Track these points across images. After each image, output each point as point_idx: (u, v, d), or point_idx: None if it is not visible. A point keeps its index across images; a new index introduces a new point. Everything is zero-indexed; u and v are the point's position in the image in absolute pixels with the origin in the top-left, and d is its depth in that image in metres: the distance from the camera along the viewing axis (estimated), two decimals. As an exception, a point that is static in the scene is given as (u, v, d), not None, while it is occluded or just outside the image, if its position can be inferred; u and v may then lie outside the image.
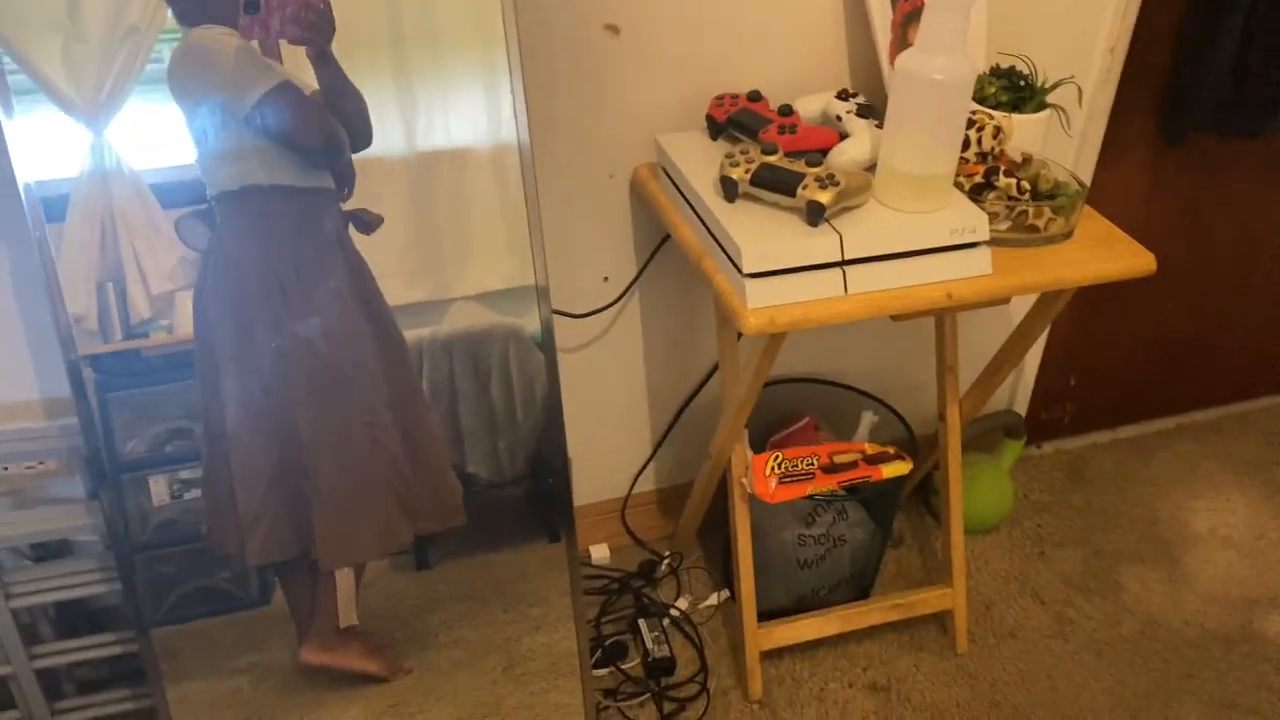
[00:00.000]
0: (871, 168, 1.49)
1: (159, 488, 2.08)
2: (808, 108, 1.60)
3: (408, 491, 1.55)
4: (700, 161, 1.55)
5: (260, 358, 1.50)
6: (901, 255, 1.39)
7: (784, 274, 1.36)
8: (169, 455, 1.94)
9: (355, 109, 1.44)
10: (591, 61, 1.62)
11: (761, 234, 1.37)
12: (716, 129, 1.61)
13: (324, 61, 1.38)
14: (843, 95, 1.59)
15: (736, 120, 1.57)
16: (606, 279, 1.83)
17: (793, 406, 2.03)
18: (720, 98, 1.61)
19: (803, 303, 1.37)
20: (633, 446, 2.07)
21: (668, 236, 1.76)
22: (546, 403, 1.71)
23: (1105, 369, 2.40)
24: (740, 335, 1.56)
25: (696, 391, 2.02)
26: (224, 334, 1.54)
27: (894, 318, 1.43)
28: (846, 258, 1.37)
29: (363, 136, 1.47)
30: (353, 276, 1.51)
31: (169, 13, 2.11)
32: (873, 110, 1.56)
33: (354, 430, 1.52)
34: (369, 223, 1.51)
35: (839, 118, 1.56)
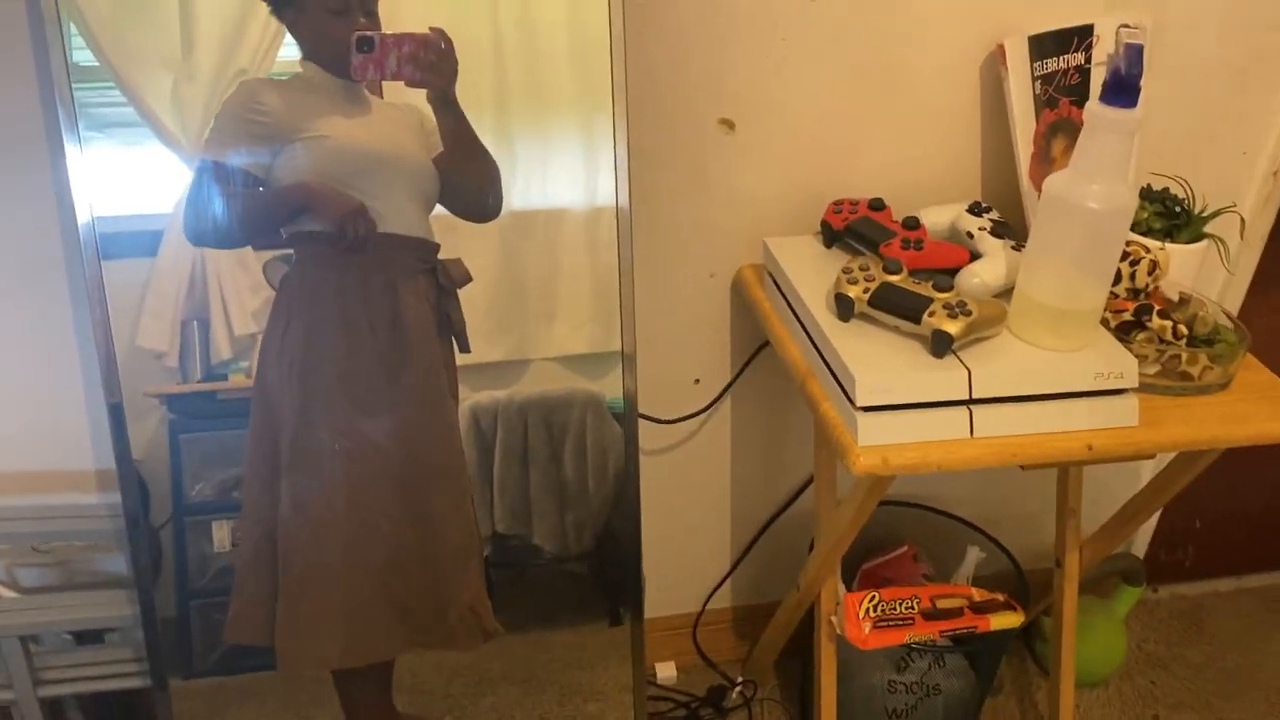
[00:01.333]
0: (1005, 294, 1.34)
1: (221, 534, 2.05)
2: (935, 220, 1.46)
3: (414, 600, 1.42)
4: (812, 271, 1.42)
5: (324, 419, 1.40)
6: (1037, 398, 1.23)
7: (902, 409, 1.21)
8: (235, 501, 1.88)
9: (477, 167, 1.34)
10: (703, 155, 1.50)
11: (879, 362, 1.23)
12: (832, 236, 1.48)
13: (446, 106, 1.28)
14: (975, 209, 1.44)
15: (855, 230, 1.44)
16: (698, 381, 1.70)
17: (889, 531, 1.86)
18: (838, 203, 1.48)
19: (921, 443, 1.21)
20: (710, 559, 1.92)
21: (766, 343, 1.62)
22: (629, 512, 1.59)
23: (1233, 512, 2.19)
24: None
25: (785, 507, 1.87)
26: (286, 391, 1.44)
27: (1023, 467, 1.27)
28: (974, 396, 1.22)
29: (478, 201, 1.38)
30: (431, 344, 1.39)
31: (278, 55, 2.15)
32: (1008, 229, 1.41)
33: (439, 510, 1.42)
34: (455, 279, 1.41)
35: (970, 234, 1.42)
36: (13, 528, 1.47)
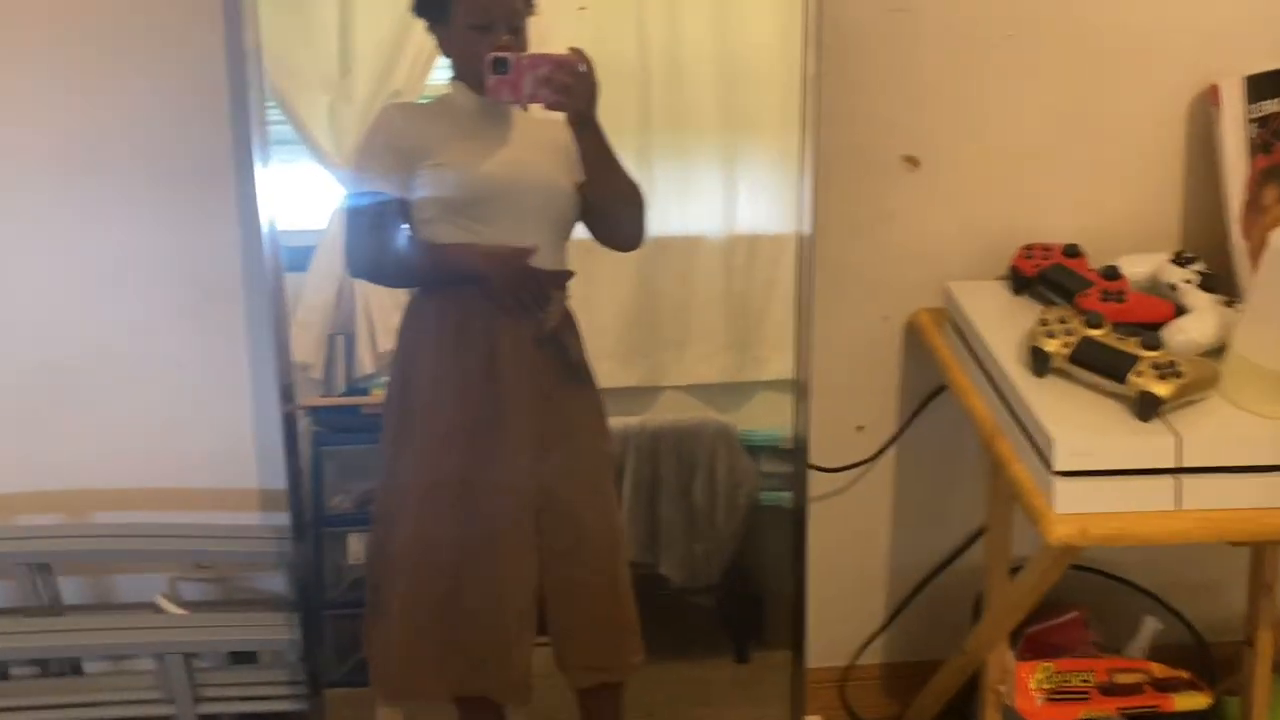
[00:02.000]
0: (1213, 353, 1.25)
1: (356, 546, 2.04)
2: (1134, 270, 1.37)
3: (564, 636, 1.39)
4: (999, 320, 1.34)
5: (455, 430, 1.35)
6: (1254, 469, 1.13)
7: (1103, 475, 1.13)
8: (371, 514, 2.06)
9: (618, 193, 1.29)
10: (883, 192, 1.45)
11: (1079, 423, 1.14)
12: (1022, 283, 1.40)
13: (585, 129, 1.23)
14: (1179, 260, 1.35)
15: (1049, 277, 1.35)
16: (861, 428, 1.63)
17: (1058, 594, 1.75)
18: (1029, 248, 1.40)
19: (1123, 513, 1.13)
20: (864, 611, 1.83)
21: (938, 390, 1.55)
22: (793, 565, 1.55)
23: None
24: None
25: (949, 562, 1.78)
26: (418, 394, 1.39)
27: (1234, 543, 1.17)
28: (1184, 465, 1.13)
29: (618, 227, 1.33)
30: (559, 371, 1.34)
31: (430, 78, 2.17)
32: (1217, 282, 1.31)
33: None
34: (566, 347, 1.35)
35: (1173, 287, 1.32)
36: (178, 545, 1.49)
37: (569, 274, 1.33)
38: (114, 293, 1.44)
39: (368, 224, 1.36)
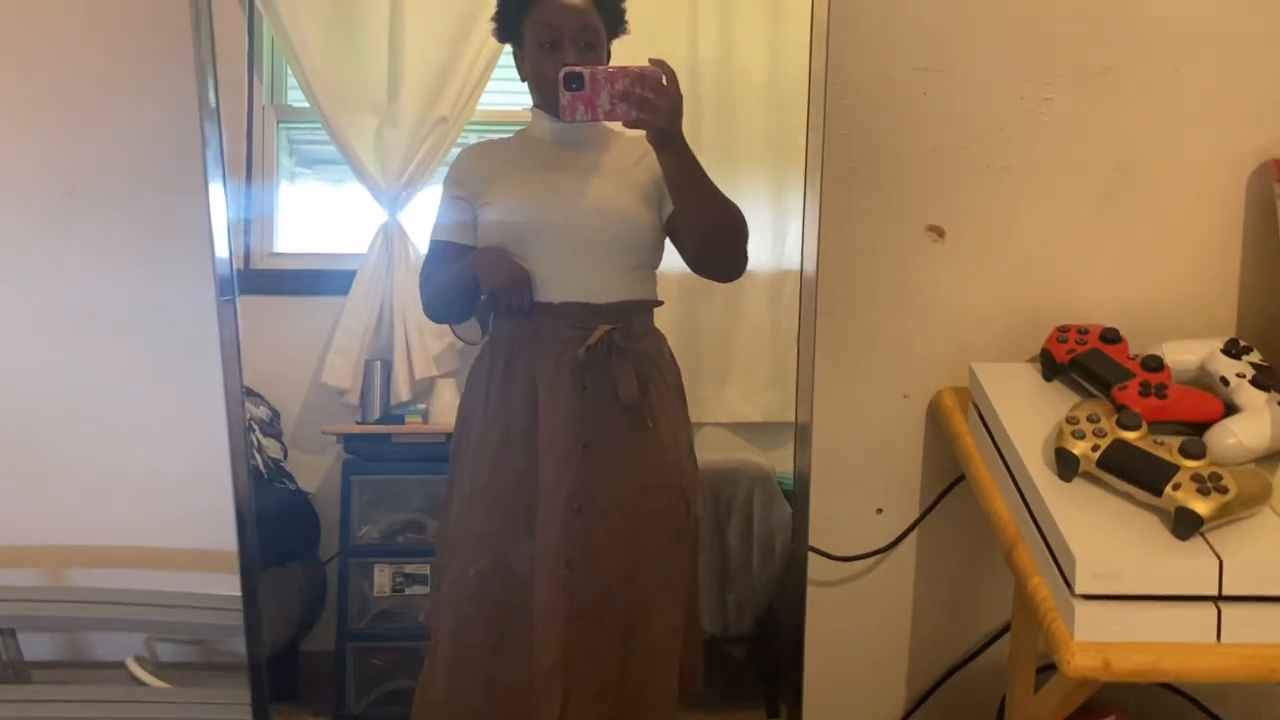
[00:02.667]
0: (1268, 459, 1.11)
1: (383, 577, 1.97)
2: (1180, 359, 1.24)
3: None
4: (1027, 409, 1.22)
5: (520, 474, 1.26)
6: (1309, 601, 1.00)
7: (1132, 600, 1.00)
8: (399, 546, 1.91)
9: (709, 218, 1.19)
10: (905, 263, 1.34)
11: (1106, 539, 1.02)
12: (1054, 369, 1.28)
13: (668, 148, 1.13)
14: (1232, 350, 1.22)
15: (1084, 364, 1.23)
16: (880, 511, 1.52)
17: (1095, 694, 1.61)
18: (1063, 330, 1.28)
19: (1154, 644, 1.00)
20: (881, 703, 1.71)
21: (962, 476, 1.43)
22: (793, 651, 1.46)
23: None
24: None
25: (972, 657, 1.65)
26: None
27: (1283, 682, 1.03)
28: (1225, 593, 1.00)
29: (714, 258, 1.25)
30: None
31: (478, 104, 2.11)
32: (1274, 377, 1.18)
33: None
34: (624, 392, 1.23)
35: (1225, 381, 1.19)
36: (150, 614, 1.43)
37: (630, 304, 1.23)
38: (90, 344, 1.38)
39: (430, 269, 1.33)
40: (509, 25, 1.28)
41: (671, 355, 1.33)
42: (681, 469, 1.31)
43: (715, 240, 1.22)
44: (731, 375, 2.22)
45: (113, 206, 1.35)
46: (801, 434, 1.37)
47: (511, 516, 1.25)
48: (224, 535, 1.48)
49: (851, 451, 1.48)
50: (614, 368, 1.22)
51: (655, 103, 1.09)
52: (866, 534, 1.53)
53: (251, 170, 2.18)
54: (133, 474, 1.45)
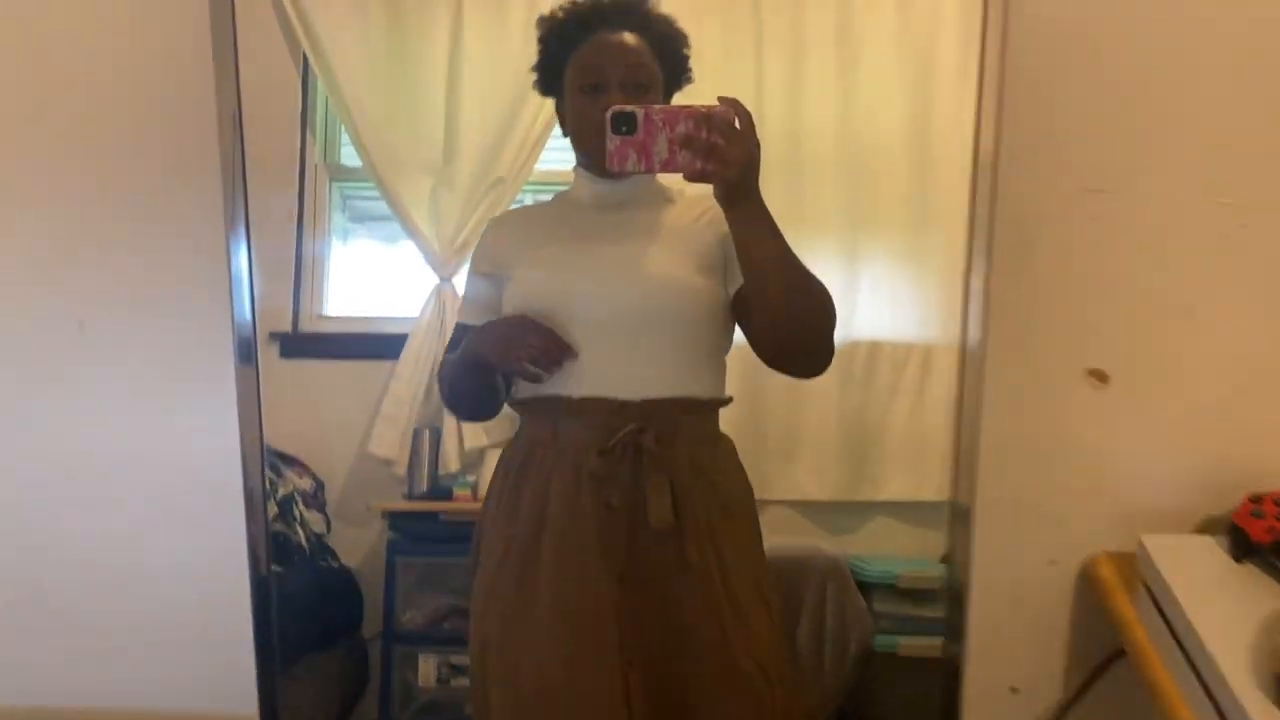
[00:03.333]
0: None
1: (427, 667, 1.97)
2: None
3: None
4: (1217, 598, 1.00)
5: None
6: None
7: None
8: (444, 632, 1.92)
9: (791, 296, 0.93)
10: (1060, 410, 1.15)
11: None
12: (1246, 548, 1.06)
13: (740, 207, 0.89)
14: None
15: (1291, 549, 1.02)
16: (1016, 691, 1.30)
17: None
18: (1258, 501, 1.07)
19: None
20: None
21: (1116, 655, 1.22)
22: None
23: None
24: None
25: None
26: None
27: None
28: None
29: (793, 347, 0.98)
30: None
31: (536, 165, 2.02)
32: None
33: None
34: (653, 513, 0.96)
35: None
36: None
37: (676, 401, 0.98)
38: (105, 489, 1.22)
39: (448, 357, 1.08)
40: (550, 73, 1.06)
41: (740, 468, 1.05)
42: (748, 624, 0.97)
43: (795, 327, 0.95)
44: (798, 451, 2.10)
45: (127, 337, 1.19)
46: (951, 596, 1.16)
47: (510, 631, 0.98)
48: (248, 699, 1.31)
49: (985, 621, 1.27)
50: (644, 481, 0.96)
51: (725, 151, 0.85)
52: (1000, 717, 1.32)
53: (302, 230, 2.10)
54: (152, 629, 1.29)
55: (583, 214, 1.04)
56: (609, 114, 0.87)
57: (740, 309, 1.00)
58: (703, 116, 0.86)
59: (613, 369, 0.98)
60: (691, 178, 0.86)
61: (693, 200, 1.05)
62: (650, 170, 0.89)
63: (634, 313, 0.98)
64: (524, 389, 1.02)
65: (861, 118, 2.08)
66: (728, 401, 1.04)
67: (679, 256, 1.00)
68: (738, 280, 0.98)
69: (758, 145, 0.86)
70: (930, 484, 2.02)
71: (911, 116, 2.04)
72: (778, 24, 2.07)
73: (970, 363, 1.08)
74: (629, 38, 1.01)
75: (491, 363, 1.00)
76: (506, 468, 1.03)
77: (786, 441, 2.09)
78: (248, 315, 1.16)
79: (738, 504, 1.03)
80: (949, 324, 2.03)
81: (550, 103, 1.08)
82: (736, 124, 0.86)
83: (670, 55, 1.03)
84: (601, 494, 0.95)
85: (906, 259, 2.06)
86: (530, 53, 1.05)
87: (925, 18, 2.05)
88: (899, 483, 2.03)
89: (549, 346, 0.96)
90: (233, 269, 1.14)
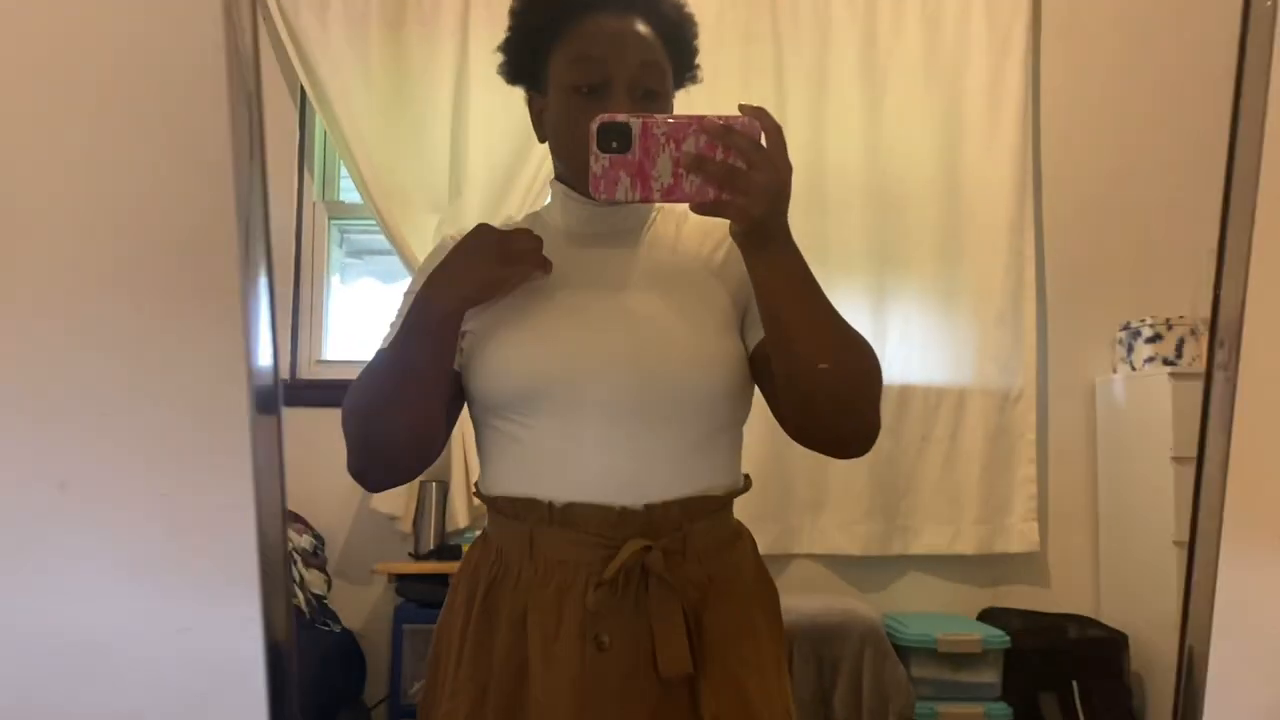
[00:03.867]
0: None
1: None
2: None
3: None
4: None
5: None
6: None
7: None
8: None
9: (827, 358, 0.70)
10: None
11: None
12: None
13: (765, 249, 0.68)
14: None
15: None
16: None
17: None
18: None
19: None
20: None
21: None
22: None
23: None
24: None
25: None
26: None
27: None
28: None
29: (827, 417, 0.73)
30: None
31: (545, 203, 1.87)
32: None
33: None
34: (664, 661, 0.72)
35: None
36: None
37: (724, 498, 0.76)
38: (97, 683, 1.08)
39: (358, 381, 0.79)
40: (524, 56, 0.81)
41: (763, 569, 0.82)
42: None
43: (833, 405, 0.72)
44: (826, 502, 1.97)
45: (113, 500, 1.04)
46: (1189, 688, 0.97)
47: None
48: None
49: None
50: (652, 614, 0.72)
51: (748, 177, 0.64)
52: None
53: (300, 272, 2.00)
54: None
55: (563, 250, 0.77)
56: (595, 124, 0.66)
57: (760, 368, 0.77)
58: (720, 130, 0.65)
59: (608, 465, 0.73)
60: (702, 210, 0.67)
61: (697, 222, 0.81)
62: (648, 199, 0.68)
63: (635, 395, 0.73)
64: (493, 482, 0.77)
65: (888, 152, 2.01)
66: (747, 488, 0.81)
67: (692, 311, 0.76)
68: (758, 331, 0.75)
69: (789, 169, 0.66)
70: (966, 537, 1.96)
71: (940, 149, 1.97)
72: (799, 56, 2.01)
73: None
74: (640, 26, 0.77)
75: (456, 307, 0.73)
76: (471, 586, 0.78)
77: (814, 491, 1.98)
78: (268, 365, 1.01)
79: (764, 621, 0.79)
80: (983, 366, 1.98)
81: None
82: (763, 141, 0.65)
83: (681, 49, 0.80)
84: (588, 631, 0.72)
85: (937, 298, 1.97)
86: None
87: (952, 48, 1.98)
88: (932, 535, 1.95)
89: (537, 246, 0.74)
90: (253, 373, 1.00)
